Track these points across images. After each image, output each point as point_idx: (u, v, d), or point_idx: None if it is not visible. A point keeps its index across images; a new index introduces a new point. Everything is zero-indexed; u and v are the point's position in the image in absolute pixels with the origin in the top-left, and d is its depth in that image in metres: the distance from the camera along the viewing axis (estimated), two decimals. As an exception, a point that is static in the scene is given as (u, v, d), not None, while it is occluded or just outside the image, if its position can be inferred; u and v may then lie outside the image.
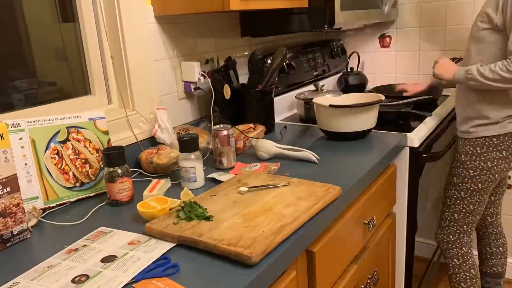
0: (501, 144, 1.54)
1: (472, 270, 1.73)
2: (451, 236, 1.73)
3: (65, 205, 1.12)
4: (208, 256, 0.83)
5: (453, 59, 2.17)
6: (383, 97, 1.52)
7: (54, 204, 1.10)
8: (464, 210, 1.67)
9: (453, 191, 1.68)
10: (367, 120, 1.48)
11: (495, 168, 1.57)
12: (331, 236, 1.08)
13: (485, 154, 1.57)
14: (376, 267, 1.41)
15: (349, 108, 1.46)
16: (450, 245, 1.74)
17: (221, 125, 1.32)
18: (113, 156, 1.09)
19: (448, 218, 1.72)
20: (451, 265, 1.76)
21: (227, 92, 1.55)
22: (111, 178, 1.08)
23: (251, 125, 1.54)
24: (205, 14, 1.62)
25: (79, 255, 0.86)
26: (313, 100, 1.56)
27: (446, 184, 1.73)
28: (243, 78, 1.77)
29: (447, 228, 1.73)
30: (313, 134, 1.63)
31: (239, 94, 1.59)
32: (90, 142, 1.17)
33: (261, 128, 1.53)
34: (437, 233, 1.79)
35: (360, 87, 2.21)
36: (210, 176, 1.23)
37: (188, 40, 1.57)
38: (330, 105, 1.47)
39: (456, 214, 1.69)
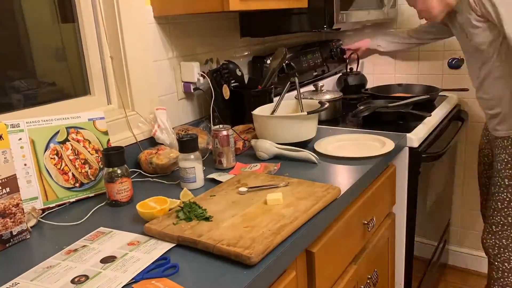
0: None
1: None
2: (504, 241, 1.68)
3: (64, 205, 1.12)
4: (208, 257, 0.83)
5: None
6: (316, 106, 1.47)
7: (53, 205, 1.10)
8: None
9: (505, 194, 1.63)
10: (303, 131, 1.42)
11: None
12: (331, 236, 1.08)
13: None
14: (375, 267, 1.41)
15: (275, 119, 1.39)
16: (502, 250, 1.69)
17: (221, 126, 1.32)
18: (113, 156, 1.09)
19: (501, 223, 1.67)
20: (501, 269, 1.71)
21: (226, 92, 1.55)
22: (111, 178, 1.08)
23: (251, 125, 1.54)
24: (205, 14, 1.62)
25: (78, 255, 0.86)
26: (253, 112, 1.47)
27: (493, 188, 1.67)
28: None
29: (500, 232, 1.68)
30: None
31: (238, 94, 1.59)
32: (89, 142, 1.17)
33: (260, 129, 1.53)
34: (485, 239, 1.74)
35: (359, 87, 2.21)
36: (209, 176, 1.23)
37: (188, 40, 1.57)
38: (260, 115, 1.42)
39: (510, 218, 1.64)
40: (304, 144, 1.43)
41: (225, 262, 0.81)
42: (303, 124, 1.40)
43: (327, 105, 1.48)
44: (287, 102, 1.60)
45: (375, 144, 1.46)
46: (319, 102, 1.52)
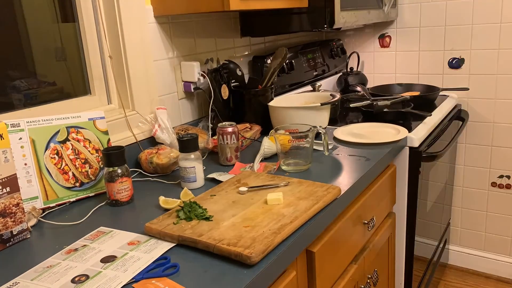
0: None
1: None
2: None
3: (64, 205, 1.12)
4: (208, 256, 0.83)
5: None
6: (336, 97, 1.55)
7: (53, 204, 1.10)
8: None
9: None
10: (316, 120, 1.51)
11: None
12: (331, 236, 1.08)
13: None
14: (376, 267, 1.41)
15: (288, 109, 1.50)
16: None
17: (226, 123, 1.34)
18: (113, 156, 1.09)
19: None
20: None
21: (224, 92, 1.55)
22: (111, 178, 1.08)
23: (247, 124, 1.54)
24: (205, 14, 1.62)
25: (78, 255, 0.86)
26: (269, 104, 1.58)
27: None
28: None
29: None
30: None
31: (239, 94, 1.59)
32: (89, 142, 1.17)
33: (257, 128, 1.54)
34: None
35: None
36: (210, 176, 1.23)
37: (188, 40, 1.57)
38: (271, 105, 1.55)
39: None
40: (318, 133, 1.52)
41: (225, 261, 0.81)
42: (317, 114, 1.50)
43: (338, 97, 1.56)
44: (302, 94, 1.70)
45: (390, 131, 1.57)
46: (330, 95, 1.61)
